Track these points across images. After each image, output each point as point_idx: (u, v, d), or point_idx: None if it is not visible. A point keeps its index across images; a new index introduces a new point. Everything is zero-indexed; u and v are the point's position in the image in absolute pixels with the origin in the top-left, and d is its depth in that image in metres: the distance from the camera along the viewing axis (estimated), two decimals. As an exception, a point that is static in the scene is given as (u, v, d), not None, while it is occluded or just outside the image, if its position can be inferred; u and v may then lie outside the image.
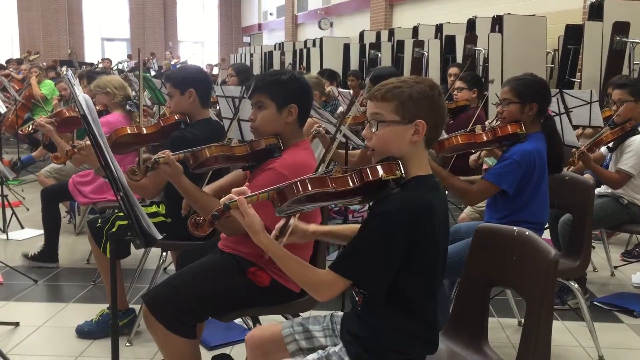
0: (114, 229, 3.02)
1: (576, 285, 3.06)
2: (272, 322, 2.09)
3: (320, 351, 1.84)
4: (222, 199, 1.70)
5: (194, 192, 2.39)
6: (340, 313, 1.99)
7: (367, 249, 1.68)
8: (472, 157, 3.96)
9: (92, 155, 2.46)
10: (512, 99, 2.87)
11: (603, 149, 3.89)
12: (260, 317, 2.62)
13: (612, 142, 3.76)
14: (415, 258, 1.69)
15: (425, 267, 1.72)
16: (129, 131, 3.03)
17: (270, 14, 23.95)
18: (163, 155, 2.29)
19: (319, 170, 1.95)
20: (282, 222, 1.84)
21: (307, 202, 1.70)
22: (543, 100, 2.89)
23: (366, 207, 3.52)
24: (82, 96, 1.82)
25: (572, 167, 3.64)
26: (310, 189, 1.66)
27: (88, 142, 2.80)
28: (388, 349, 1.76)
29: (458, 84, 4.93)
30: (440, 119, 1.78)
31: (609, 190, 3.78)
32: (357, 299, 1.81)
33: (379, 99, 1.75)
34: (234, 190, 1.72)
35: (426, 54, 9.46)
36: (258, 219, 1.69)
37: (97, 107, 4.06)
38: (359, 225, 1.79)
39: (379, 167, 1.71)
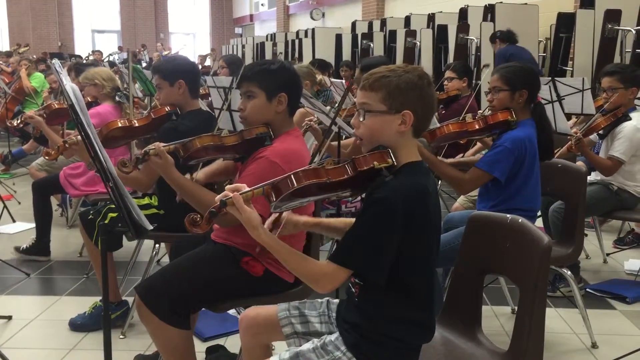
0: (105, 221, 3.00)
1: (569, 272, 3.07)
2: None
3: (315, 340, 1.83)
4: (217, 197, 1.68)
5: (185, 184, 2.38)
6: (336, 300, 1.98)
7: (366, 236, 1.67)
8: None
9: (84, 150, 2.43)
10: (501, 87, 2.87)
11: (593, 135, 3.90)
12: (254, 308, 2.61)
13: (603, 129, 3.76)
14: (412, 242, 1.68)
15: (421, 251, 1.72)
16: (120, 124, 3.00)
17: (262, 4, 23.82)
18: (154, 147, 2.27)
19: (314, 161, 1.94)
20: (274, 215, 1.83)
21: (302, 196, 1.69)
22: (532, 87, 2.89)
23: (359, 198, 3.51)
24: (69, 85, 1.80)
25: (559, 154, 3.64)
26: (304, 181, 1.65)
27: (79, 137, 2.78)
28: (386, 336, 1.75)
29: (448, 74, 4.95)
30: (429, 109, 1.76)
31: (599, 177, 3.79)
32: (353, 290, 1.80)
33: (367, 88, 1.74)
34: (228, 187, 1.71)
35: (418, 43, 9.45)
36: (255, 214, 1.67)
37: (87, 99, 4.04)
38: (347, 219, 1.77)
39: (370, 156, 1.71)
